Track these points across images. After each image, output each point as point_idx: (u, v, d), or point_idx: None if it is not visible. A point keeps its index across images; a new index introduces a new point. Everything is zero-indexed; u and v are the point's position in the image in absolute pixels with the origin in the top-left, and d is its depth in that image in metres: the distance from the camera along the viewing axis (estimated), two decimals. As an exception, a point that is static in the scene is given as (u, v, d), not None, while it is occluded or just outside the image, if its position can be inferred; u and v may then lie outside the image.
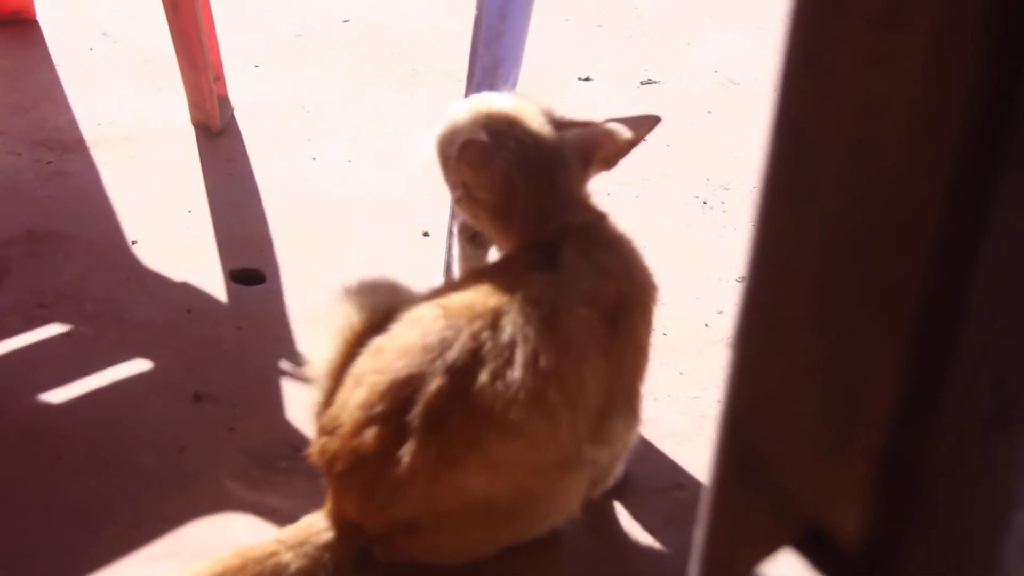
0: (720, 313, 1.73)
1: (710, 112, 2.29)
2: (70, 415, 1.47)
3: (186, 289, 1.70)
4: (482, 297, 1.19)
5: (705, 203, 2.00)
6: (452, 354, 1.16)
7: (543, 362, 1.16)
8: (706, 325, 1.71)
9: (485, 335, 1.16)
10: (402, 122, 2.15)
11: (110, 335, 1.60)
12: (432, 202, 1.86)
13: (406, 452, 1.16)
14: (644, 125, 1.34)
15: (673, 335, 1.67)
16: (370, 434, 1.18)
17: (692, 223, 1.95)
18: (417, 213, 1.89)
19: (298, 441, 1.46)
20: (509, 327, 1.16)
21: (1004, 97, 0.58)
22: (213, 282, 1.72)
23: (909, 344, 0.63)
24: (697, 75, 2.40)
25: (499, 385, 1.14)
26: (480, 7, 1.52)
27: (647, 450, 1.47)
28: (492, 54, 1.53)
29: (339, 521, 1.25)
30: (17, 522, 1.32)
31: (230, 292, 1.71)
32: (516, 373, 1.15)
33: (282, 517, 1.34)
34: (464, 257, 1.43)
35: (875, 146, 0.62)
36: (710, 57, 2.47)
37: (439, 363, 1.16)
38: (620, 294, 1.25)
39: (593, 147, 1.33)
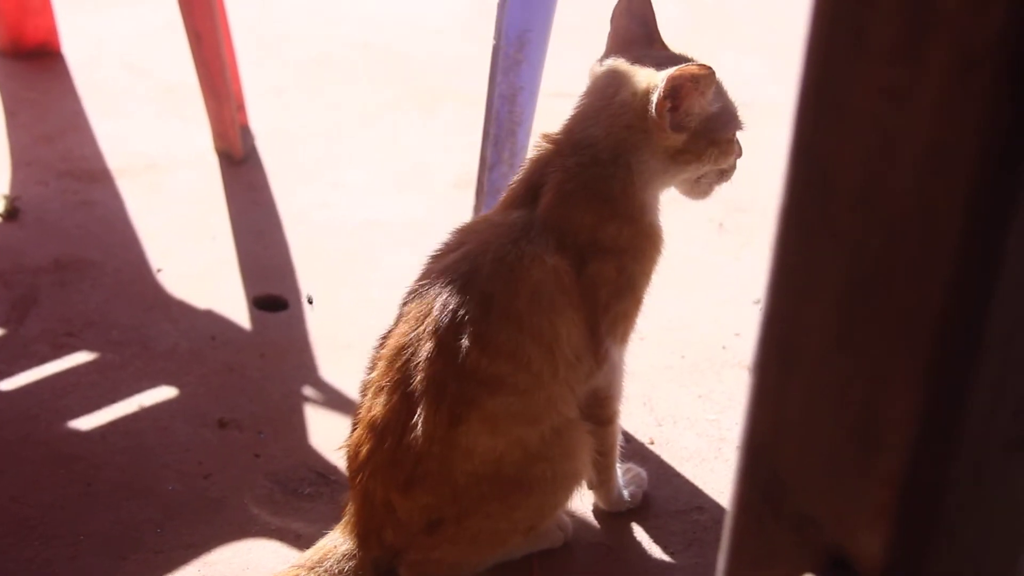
0: (738, 335, 1.74)
1: (726, 134, 2.30)
2: (98, 443, 1.50)
3: (210, 316, 1.73)
4: (475, 246, 1.25)
5: (721, 225, 2.02)
6: (435, 315, 1.21)
7: (515, 318, 1.20)
8: (724, 347, 1.72)
9: (463, 297, 1.20)
10: (421, 146, 2.17)
11: (136, 362, 1.63)
12: (453, 225, 1.88)
13: (418, 420, 1.20)
14: None
15: (691, 358, 1.69)
16: (378, 405, 1.23)
17: (709, 246, 1.96)
18: (438, 236, 1.91)
19: (322, 467, 1.48)
20: (483, 283, 1.21)
21: (1019, 129, 0.59)
22: (237, 309, 1.75)
23: (928, 370, 0.65)
24: (712, 98, 2.41)
25: (479, 347, 1.19)
26: (498, 36, 1.54)
27: (666, 473, 1.48)
28: (510, 82, 1.55)
29: (358, 528, 1.27)
30: (46, 549, 1.34)
31: (253, 319, 1.74)
32: (492, 331, 1.19)
33: (306, 542, 1.36)
34: None
35: (891, 176, 0.63)
36: (724, 78, 2.48)
37: (429, 326, 1.21)
38: (593, 239, 1.25)
39: None
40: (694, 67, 1.21)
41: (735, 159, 1.32)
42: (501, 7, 1.53)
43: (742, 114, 1.31)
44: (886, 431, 0.67)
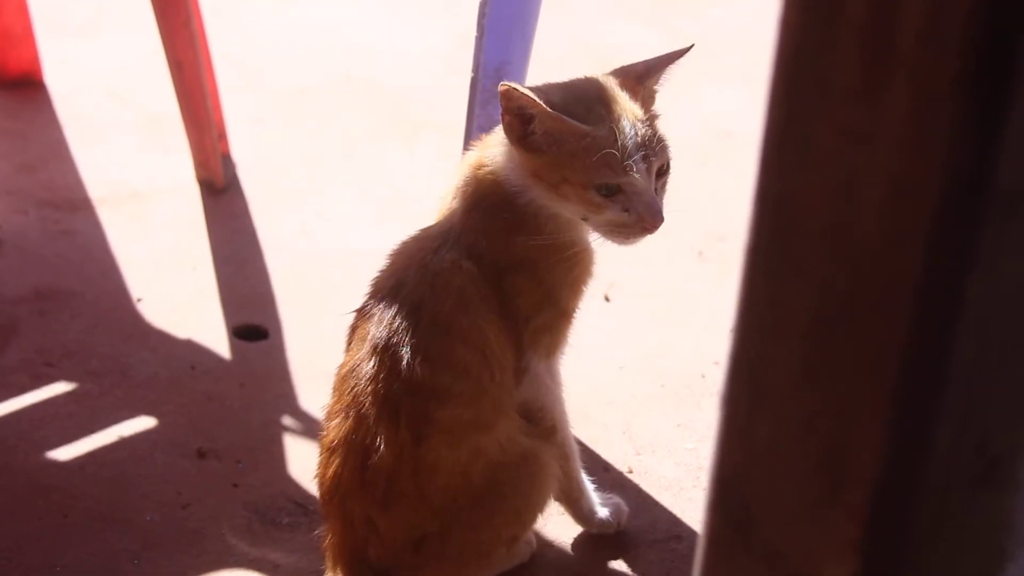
0: (717, 364, 1.75)
1: (705, 163, 2.32)
2: (76, 473, 1.49)
3: (190, 346, 1.73)
4: (402, 261, 1.28)
5: (701, 254, 2.03)
6: (371, 334, 1.23)
7: (444, 323, 1.22)
8: (703, 376, 1.73)
9: (394, 310, 1.22)
10: (403, 177, 2.18)
11: (115, 392, 1.63)
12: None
13: (380, 442, 1.21)
14: None
15: (670, 386, 1.69)
16: (334, 428, 1.25)
17: (689, 275, 1.98)
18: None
19: (301, 497, 1.48)
20: (411, 293, 1.23)
21: (981, 165, 0.61)
22: (217, 338, 1.75)
23: (892, 406, 0.66)
24: (691, 126, 2.43)
25: (418, 356, 1.20)
26: (476, 68, 1.56)
27: (644, 502, 1.49)
28: (488, 115, 1.56)
29: (343, 555, 1.27)
30: (23, 581, 1.34)
31: (233, 348, 1.74)
32: (427, 339, 1.21)
33: (284, 573, 1.36)
34: None
35: (855, 215, 0.65)
36: (704, 108, 2.51)
37: (367, 346, 1.23)
38: (503, 251, 1.25)
39: None
40: (516, 89, 1.18)
41: (616, 218, 1.20)
42: (479, 40, 1.54)
43: (637, 172, 1.19)
44: (852, 465, 0.68)
